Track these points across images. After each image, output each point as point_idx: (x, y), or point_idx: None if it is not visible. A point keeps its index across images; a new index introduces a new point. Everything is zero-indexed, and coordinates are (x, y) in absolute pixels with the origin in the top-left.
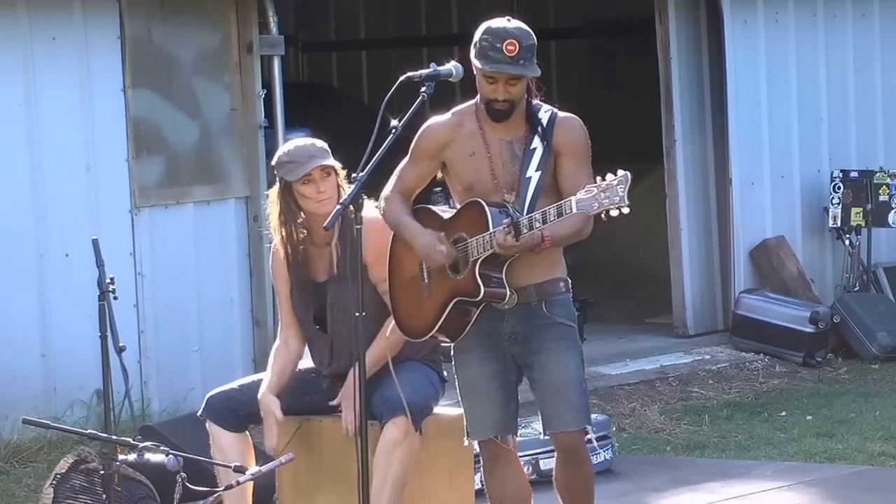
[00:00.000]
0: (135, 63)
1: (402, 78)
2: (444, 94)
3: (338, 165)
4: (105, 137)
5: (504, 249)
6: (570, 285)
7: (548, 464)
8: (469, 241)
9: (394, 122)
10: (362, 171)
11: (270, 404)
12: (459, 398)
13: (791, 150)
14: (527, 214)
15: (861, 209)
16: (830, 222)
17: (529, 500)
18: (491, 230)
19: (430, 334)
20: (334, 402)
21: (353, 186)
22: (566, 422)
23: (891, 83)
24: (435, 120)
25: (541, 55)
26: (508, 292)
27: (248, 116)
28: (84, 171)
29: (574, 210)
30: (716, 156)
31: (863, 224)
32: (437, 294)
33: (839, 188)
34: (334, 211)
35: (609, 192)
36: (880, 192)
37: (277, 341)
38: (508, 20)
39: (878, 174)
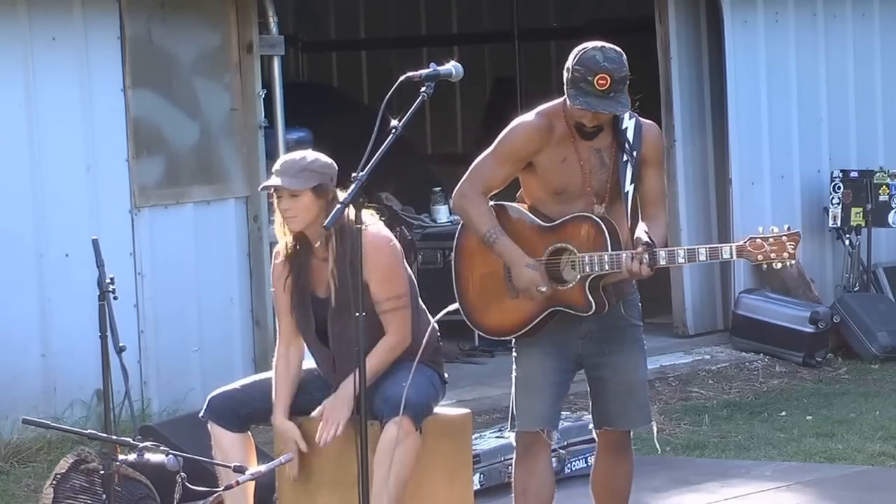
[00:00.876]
0: (135, 63)
1: (402, 78)
2: (444, 95)
3: (326, 185)
4: (105, 137)
5: (633, 276)
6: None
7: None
8: (579, 255)
9: (394, 122)
10: (362, 170)
11: (290, 432)
12: (513, 388)
13: (791, 150)
14: (650, 240)
15: (861, 209)
16: (830, 222)
17: (552, 498)
18: (610, 251)
19: (520, 334)
20: (314, 414)
21: (352, 186)
22: (634, 421)
23: (891, 83)
24: (525, 121)
25: (541, 55)
26: (609, 305)
27: (247, 116)
28: (84, 171)
29: (733, 257)
30: (716, 156)
31: (863, 224)
32: (530, 299)
33: (839, 188)
34: (335, 210)
35: (778, 248)
36: (880, 192)
37: (277, 352)
38: (602, 49)
39: (878, 174)
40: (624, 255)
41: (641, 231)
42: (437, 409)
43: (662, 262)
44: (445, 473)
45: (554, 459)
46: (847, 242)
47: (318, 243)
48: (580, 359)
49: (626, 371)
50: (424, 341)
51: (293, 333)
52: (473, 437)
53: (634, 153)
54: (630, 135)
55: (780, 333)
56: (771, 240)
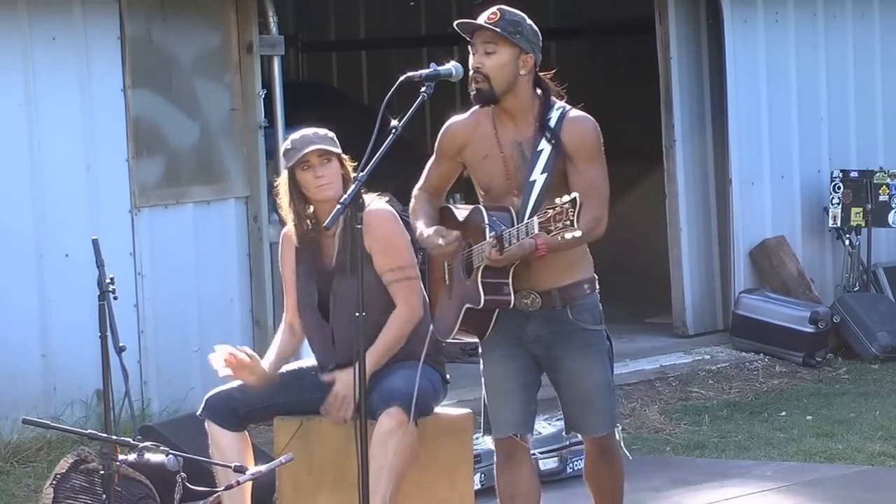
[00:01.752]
0: (135, 63)
1: (401, 78)
2: (445, 95)
3: (344, 156)
4: (105, 137)
5: (493, 262)
6: (596, 281)
7: (547, 464)
8: (473, 247)
9: (394, 122)
10: (362, 170)
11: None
12: (484, 394)
13: (791, 149)
14: (528, 215)
15: (861, 209)
16: (830, 222)
17: (539, 501)
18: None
19: (451, 336)
20: (326, 377)
21: (352, 187)
22: (593, 428)
23: (891, 83)
24: (455, 119)
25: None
26: (513, 299)
27: (247, 116)
28: (84, 171)
29: (535, 231)
30: (716, 156)
31: (863, 224)
32: (454, 298)
33: (839, 188)
34: (334, 211)
35: (562, 216)
36: (880, 192)
37: (282, 324)
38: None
39: (878, 174)
40: (485, 243)
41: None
42: (438, 410)
43: (508, 245)
44: (446, 473)
45: (556, 459)
46: (847, 242)
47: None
48: (538, 361)
49: (578, 377)
50: (427, 342)
51: (298, 310)
52: (474, 437)
53: (553, 142)
54: (552, 124)
55: (780, 333)
56: (557, 209)
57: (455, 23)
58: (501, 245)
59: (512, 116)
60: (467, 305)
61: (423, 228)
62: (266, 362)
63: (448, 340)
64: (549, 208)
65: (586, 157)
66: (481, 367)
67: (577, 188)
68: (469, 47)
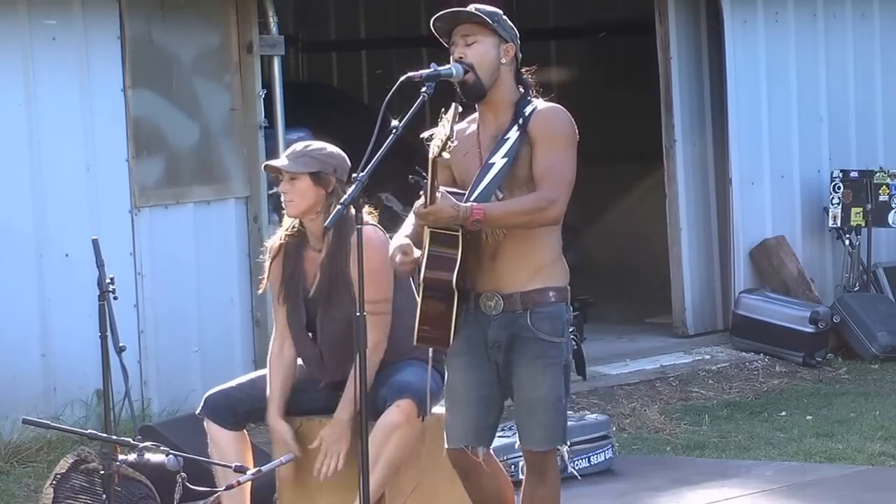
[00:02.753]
0: (135, 63)
1: (402, 78)
2: (445, 95)
3: (326, 173)
4: (105, 137)
5: (420, 217)
6: (567, 292)
7: None
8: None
9: (394, 123)
10: (362, 171)
11: (283, 433)
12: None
13: (791, 149)
14: (476, 195)
15: (861, 209)
16: (830, 222)
17: (512, 500)
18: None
19: (416, 332)
20: (314, 445)
21: (353, 187)
22: (535, 441)
23: (891, 83)
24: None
25: (541, 55)
26: (455, 277)
27: (248, 116)
28: (84, 171)
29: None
30: (716, 156)
31: (863, 224)
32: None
33: (839, 188)
34: (335, 211)
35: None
36: (880, 192)
37: (272, 349)
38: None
39: (877, 174)
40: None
41: None
42: (438, 409)
43: (435, 196)
44: (448, 474)
45: (558, 458)
46: (847, 242)
47: (315, 237)
48: (499, 369)
49: (526, 387)
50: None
51: (287, 328)
52: None
53: (519, 131)
54: (524, 115)
55: (780, 333)
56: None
57: (433, 18)
58: (426, 198)
59: (494, 112)
60: (420, 287)
61: (396, 239)
62: (273, 405)
63: (415, 344)
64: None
65: (550, 141)
66: (446, 376)
67: (536, 170)
68: (450, 48)
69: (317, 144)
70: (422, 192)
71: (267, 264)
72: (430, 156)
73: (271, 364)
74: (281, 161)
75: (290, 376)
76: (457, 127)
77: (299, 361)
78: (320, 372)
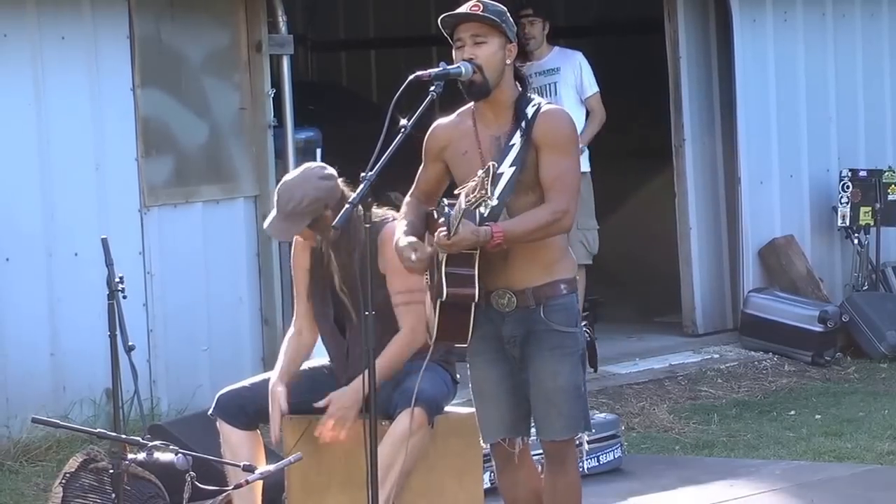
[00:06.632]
0: (144, 62)
1: (411, 77)
2: (454, 94)
3: (317, 222)
4: (114, 136)
5: (443, 248)
6: (576, 283)
7: None
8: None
9: (403, 122)
10: (371, 170)
11: (279, 396)
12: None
13: (800, 149)
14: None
15: (870, 208)
16: (839, 221)
17: (542, 501)
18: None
19: (433, 339)
20: (321, 403)
21: (361, 186)
22: (555, 430)
23: None
24: (438, 122)
25: None
26: (478, 292)
27: (257, 116)
28: (93, 171)
29: (464, 206)
30: (725, 155)
31: (871, 223)
32: (432, 298)
33: (848, 187)
34: (343, 210)
35: (477, 186)
36: (889, 191)
37: (291, 330)
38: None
39: (886, 173)
40: (438, 231)
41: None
42: (447, 409)
43: (453, 229)
44: (455, 472)
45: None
46: (856, 242)
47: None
48: (517, 362)
49: (544, 378)
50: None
51: (308, 319)
52: None
53: (524, 136)
54: (528, 117)
55: (789, 332)
56: (476, 179)
57: (441, 17)
58: (449, 229)
59: (494, 111)
60: (439, 300)
61: (401, 237)
62: (277, 372)
63: (431, 343)
64: (471, 180)
65: (555, 147)
66: (469, 373)
67: (544, 179)
68: (454, 43)
69: (295, 192)
70: (441, 220)
71: (294, 251)
72: (462, 205)
73: (288, 340)
74: (278, 233)
75: (304, 354)
76: (446, 120)
77: (326, 361)
78: (343, 369)
